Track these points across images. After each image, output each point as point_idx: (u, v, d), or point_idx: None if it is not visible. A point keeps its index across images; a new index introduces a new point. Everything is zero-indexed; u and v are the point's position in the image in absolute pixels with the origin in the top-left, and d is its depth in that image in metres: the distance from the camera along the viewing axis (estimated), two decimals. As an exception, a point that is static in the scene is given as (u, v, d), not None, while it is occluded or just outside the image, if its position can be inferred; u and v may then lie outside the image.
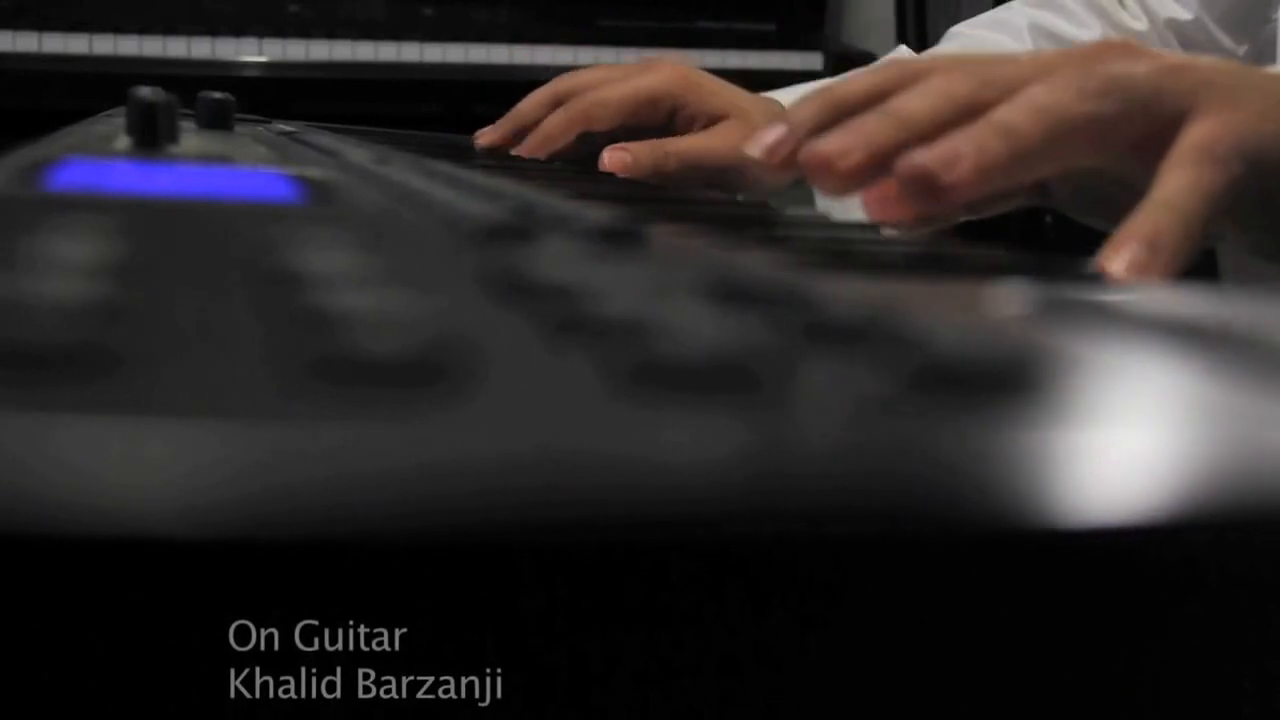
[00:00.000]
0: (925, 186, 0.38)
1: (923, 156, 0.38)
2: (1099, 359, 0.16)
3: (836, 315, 0.17)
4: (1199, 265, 0.47)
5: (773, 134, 0.42)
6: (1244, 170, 0.41)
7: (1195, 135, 0.41)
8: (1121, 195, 0.43)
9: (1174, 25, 0.84)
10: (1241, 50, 0.84)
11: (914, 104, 0.41)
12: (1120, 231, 0.40)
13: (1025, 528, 0.11)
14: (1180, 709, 0.12)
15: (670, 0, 1.45)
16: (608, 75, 0.73)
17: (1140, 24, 0.84)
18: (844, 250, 0.32)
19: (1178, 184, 0.40)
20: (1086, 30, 0.82)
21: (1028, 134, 0.40)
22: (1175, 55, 0.45)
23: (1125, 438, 0.13)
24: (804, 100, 0.44)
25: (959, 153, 0.39)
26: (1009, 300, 0.21)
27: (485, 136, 0.75)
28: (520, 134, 0.73)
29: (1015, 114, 0.40)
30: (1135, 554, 0.12)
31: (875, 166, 0.40)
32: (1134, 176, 0.42)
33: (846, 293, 0.19)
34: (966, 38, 0.83)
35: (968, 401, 0.13)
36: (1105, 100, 0.41)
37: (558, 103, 0.73)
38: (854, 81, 0.44)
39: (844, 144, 0.40)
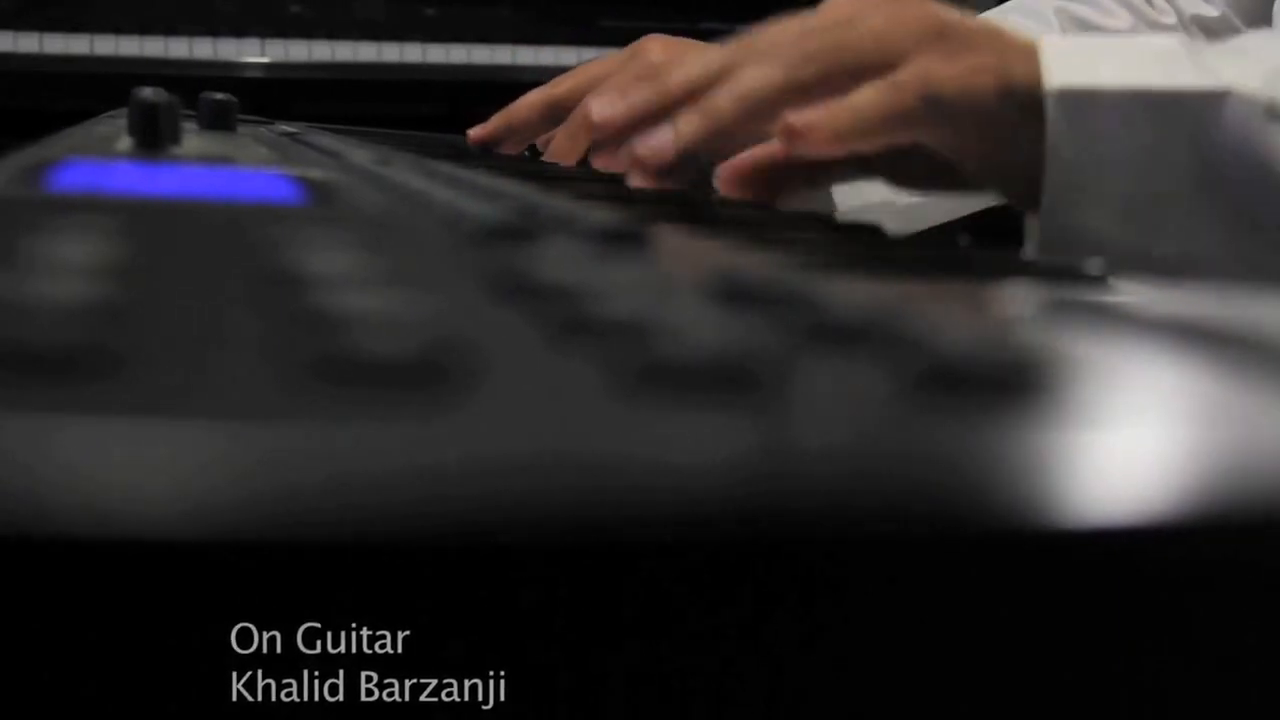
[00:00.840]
0: (641, 170, 0.48)
1: (639, 145, 0.49)
2: (1103, 360, 0.16)
3: (841, 317, 0.17)
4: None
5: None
6: (920, 107, 0.48)
7: (901, 71, 0.48)
8: (920, 163, 0.51)
9: (1200, 21, 0.85)
10: None
11: (675, 74, 0.51)
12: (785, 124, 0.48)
13: (1030, 529, 0.11)
14: (1187, 710, 0.12)
15: (673, 2, 1.45)
16: (601, 73, 0.74)
17: (1169, 19, 0.85)
18: (848, 251, 0.32)
19: (856, 97, 0.48)
20: (1114, 20, 0.83)
21: (727, 113, 0.48)
22: (932, 5, 0.51)
23: (1129, 439, 0.13)
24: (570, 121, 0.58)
25: (663, 144, 0.49)
26: (1013, 302, 0.21)
27: (476, 132, 0.76)
28: (510, 133, 0.75)
29: (719, 96, 0.49)
30: (1140, 555, 0.12)
31: (638, 127, 0.50)
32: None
33: (851, 294, 0.19)
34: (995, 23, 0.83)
35: (972, 403, 0.13)
36: (809, 65, 0.49)
37: (552, 106, 0.74)
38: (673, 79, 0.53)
39: (609, 114, 0.52)
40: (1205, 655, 0.12)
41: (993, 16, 0.84)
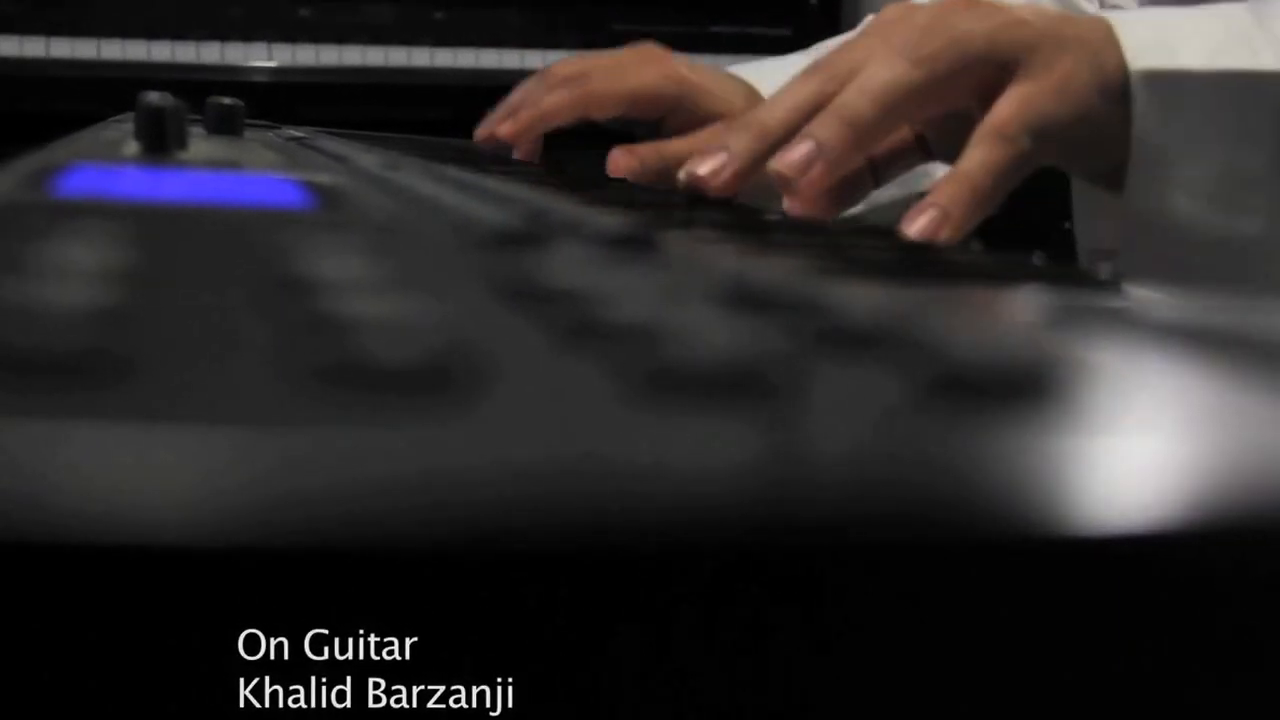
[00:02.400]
0: (790, 190, 0.48)
1: (778, 162, 0.47)
2: (1115, 366, 0.16)
3: (851, 322, 0.16)
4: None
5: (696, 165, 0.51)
6: (1032, 144, 0.50)
7: (995, 116, 0.50)
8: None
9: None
10: None
11: (771, 115, 0.50)
12: (922, 200, 0.49)
13: (1041, 535, 0.11)
14: (1194, 713, 0.12)
15: (683, 4, 1.46)
16: (598, 64, 0.74)
17: (1091, 6, 0.87)
18: (859, 256, 0.32)
19: (972, 161, 0.49)
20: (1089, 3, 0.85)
21: (866, 116, 0.48)
22: (1013, 10, 0.52)
23: (1141, 444, 0.13)
24: (729, 130, 0.54)
25: (808, 157, 0.48)
26: (1025, 307, 0.21)
27: (482, 131, 0.76)
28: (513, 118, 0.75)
29: (854, 100, 0.49)
30: (1154, 562, 0.12)
31: (746, 175, 0.49)
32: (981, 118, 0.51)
33: (861, 299, 0.19)
34: None
35: (984, 409, 0.13)
36: (936, 63, 0.49)
37: (549, 90, 0.74)
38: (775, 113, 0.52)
39: (713, 165, 0.49)
40: (1221, 662, 0.12)
41: None
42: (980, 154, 0.49)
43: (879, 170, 0.57)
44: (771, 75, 0.78)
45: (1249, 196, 0.52)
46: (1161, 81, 0.51)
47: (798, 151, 0.47)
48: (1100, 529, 0.11)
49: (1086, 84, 0.50)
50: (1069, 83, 0.50)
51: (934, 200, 0.48)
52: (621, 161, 0.69)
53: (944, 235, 0.47)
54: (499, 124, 0.75)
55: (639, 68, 0.73)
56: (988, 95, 0.50)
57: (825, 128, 0.48)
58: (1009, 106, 0.50)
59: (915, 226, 0.47)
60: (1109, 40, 0.51)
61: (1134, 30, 0.52)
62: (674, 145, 0.72)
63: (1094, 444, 0.13)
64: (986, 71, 0.50)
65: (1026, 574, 0.11)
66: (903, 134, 0.57)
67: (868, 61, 0.49)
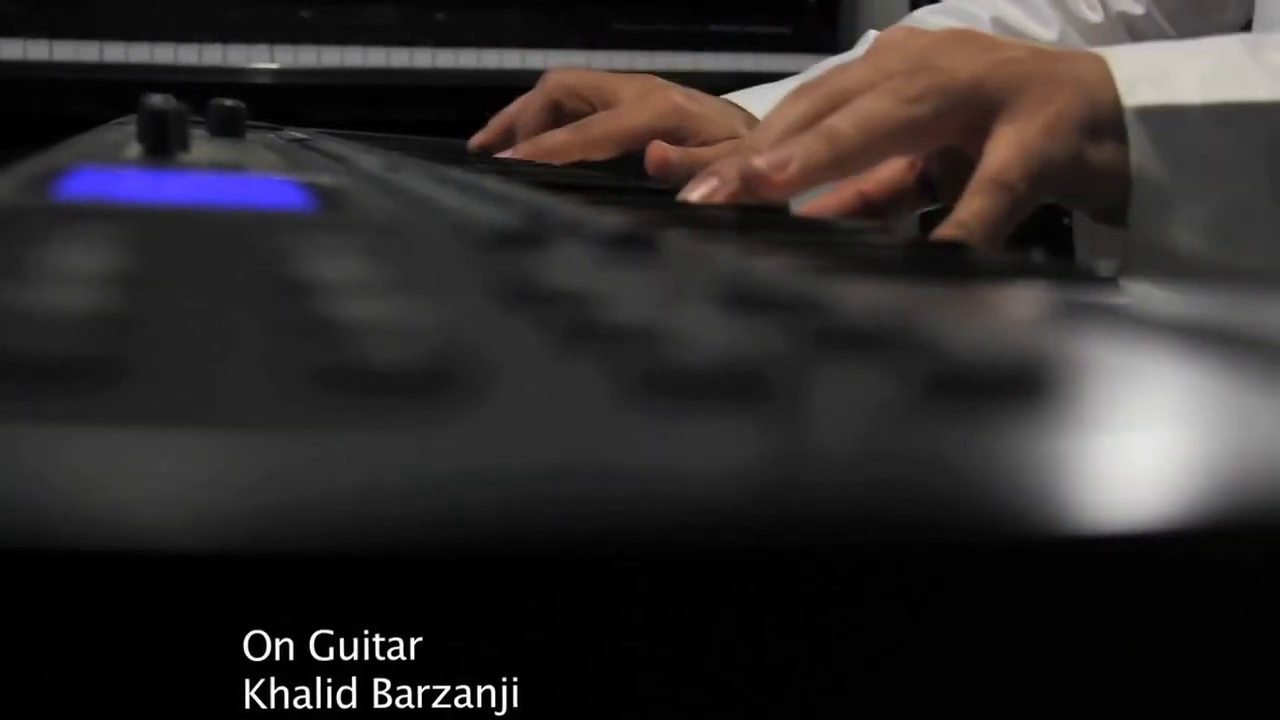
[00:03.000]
0: (762, 184, 0.47)
1: (759, 160, 0.48)
2: (1114, 363, 0.16)
3: (851, 321, 0.17)
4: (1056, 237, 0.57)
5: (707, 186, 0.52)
6: (1030, 188, 0.50)
7: (990, 164, 0.50)
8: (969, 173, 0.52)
9: (1125, 19, 0.89)
10: None
11: (759, 141, 0.51)
12: None
13: (1042, 534, 0.11)
14: (1197, 713, 0.12)
15: (683, 3, 1.46)
16: (599, 84, 0.77)
17: (1096, 16, 0.89)
18: (858, 255, 0.32)
19: (968, 211, 0.50)
20: (1046, 28, 0.88)
21: (848, 138, 0.49)
22: (1007, 47, 0.53)
23: (1141, 442, 0.13)
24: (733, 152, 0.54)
25: (788, 157, 0.48)
26: (1024, 304, 0.21)
27: (477, 139, 0.78)
28: (510, 135, 0.76)
29: (840, 121, 0.49)
30: (1156, 560, 0.12)
31: (737, 199, 0.49)
32: (975, 157, 0.52)
33: (860, 298, 0.19)
34: (927, 24, 0.85)
35: (984, 408, 0.13)
36: (922, 104, 0.50)
37: (550, 106, 0.76)
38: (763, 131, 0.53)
39: (705, 190, 0.49)
40: (1222, 660, 0.12)
41: (924, 19, 0.86)
42: (978, 204, 0.50)
43: (879, 213, 0.57)
44: (768, 100, 0.79)
45: (1249, 229, 0.52)
46: (1156, 116, 0.51)
47: (776, 154, 0.48)
48: (1099, 527, 0.11)
49: (1080, 121, 0.51)
50: (1062, 121, 0.50)
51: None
52: (668, 153, 0.71)
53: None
54: (497, 137, 0.77)
55: (637, 106, 0.75)
56: (977, 134, 0.51)
57: (807, 139, 0.49)
58: (1005, 151, 0.50)
59: None
60: (1102, 76, 0.52)
61: (1127, 64, 0.52)
62: (705, 153, 0.73)
63: (1093, 442, 0.13)
64: (972, 112, 0.50)
65: (1026, 573, 0.11)
66: (902, 175, 0.57)
67: (857, 91, 0.50)
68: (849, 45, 1.54)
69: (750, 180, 0.47)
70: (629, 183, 0.61)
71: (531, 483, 0.11)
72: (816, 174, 0.48)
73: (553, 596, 0.11)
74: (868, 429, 0.13)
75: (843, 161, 0.49)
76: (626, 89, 0.77)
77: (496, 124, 0.78)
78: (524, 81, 0.80)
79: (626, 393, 0.13)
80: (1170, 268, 0.53)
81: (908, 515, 0.11)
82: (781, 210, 0.46)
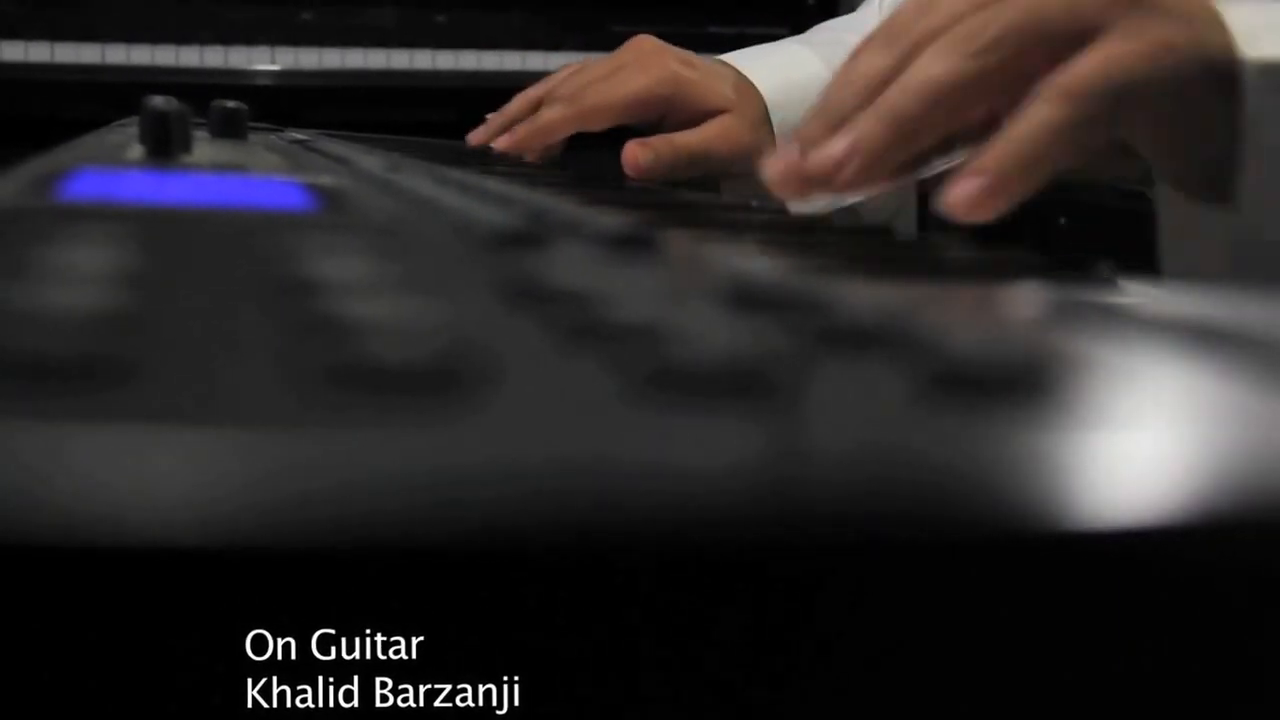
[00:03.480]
0: (820, 186, 0.43)
1: (818, 160, 0.42)
2: (1113, 361, 0.16)
3: (851, 320, 0.17)
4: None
5: (780, 162, 0.46)
6: (1104, 107, 0.42)
7: (1065, 74, 0.42)
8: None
9: None
10: None
11: (840, 97, 0.45)
12: (965, 166, 0.42)
13: (1042, 531, 0.11)
14: (1197, 711, 0.12)
15: (682, 5, 1.45)
16: (596, 74, 0.75)
17: None
18: (858, 254, 0.32)
19: (1028, 120, 0.41)
20: None
21: (912, 112, 0.42)
22: None
23: (1140, 440, 0.13)
24: (807, 121, 0.47)
25: (846, 156, 0.42)
26: (1023, 303, 0.21)
27: (476, 136, 0.77)
28: (507, 130, 0.75)
29: (901, 94, 0.43)
30: (1156, 556, 0.12)
31: (873, 170, 0.44)
32: None
33: (861, 297, 0.19)
34: None
35: (985, 406, 0.13)
36: (998, 50, 0.42)
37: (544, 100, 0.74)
38: (836, 91, 0.46)
39: (836, 154, 0.44)
40: (1221, 656, 0.12)
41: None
42: (1040, 112, 0.41)
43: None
44: (760, 60, 0.77)
45: None
46: (1278, 73, 0.43)
47: (835, 148, 0.42)
48: (1099, 524, 0.11)
49: (1186, 57, 0.42)
50: (1164, 50, 0.42)
51: (980, 166, 0.41)
52: (638, 154, 0.69)
53: (990, 208, 0.41)
54: (495, 136, 0.75)
55: (632, 74, 0.73)
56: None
57: (866, 123, 0.43)
58: (1085, 62, 0.42)
59: (956, 196, 0.41)
60: (1212, 18, 0.43)
61: (1245, 11, 0.44)
62: (685, 137, 0.71)
63: (1092, 440, 0.13)
64: (1059, 44, 0.42)
65: (1026, 570, 0.12)
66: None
67: (928, 43, 0.43)
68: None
69: (808, 182, 0.42)
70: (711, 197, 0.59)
71: (532, 481, 0.11)
72: (881, 164, 0.43)
73: (554, 595, 0.11)
74: (868, 427, 0.13)
75: (909, 137, 0.43)
76: (622, 55, 0.74)
77: (495, 122, 0.77)
78: (524, 83, 0.80)
79: (629, 391, 0.13)
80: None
81: (908, 512, 0.11)
82: (781, 210, 0.45)
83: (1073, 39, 0.42)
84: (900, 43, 0.44)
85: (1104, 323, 0.19)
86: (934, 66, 0.43)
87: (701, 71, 0.75)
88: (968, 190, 0.40)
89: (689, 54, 0.76)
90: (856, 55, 0.46)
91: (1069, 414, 0.13)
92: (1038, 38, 0.42)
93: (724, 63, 0.77)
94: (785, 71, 0.77)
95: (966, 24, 0.43)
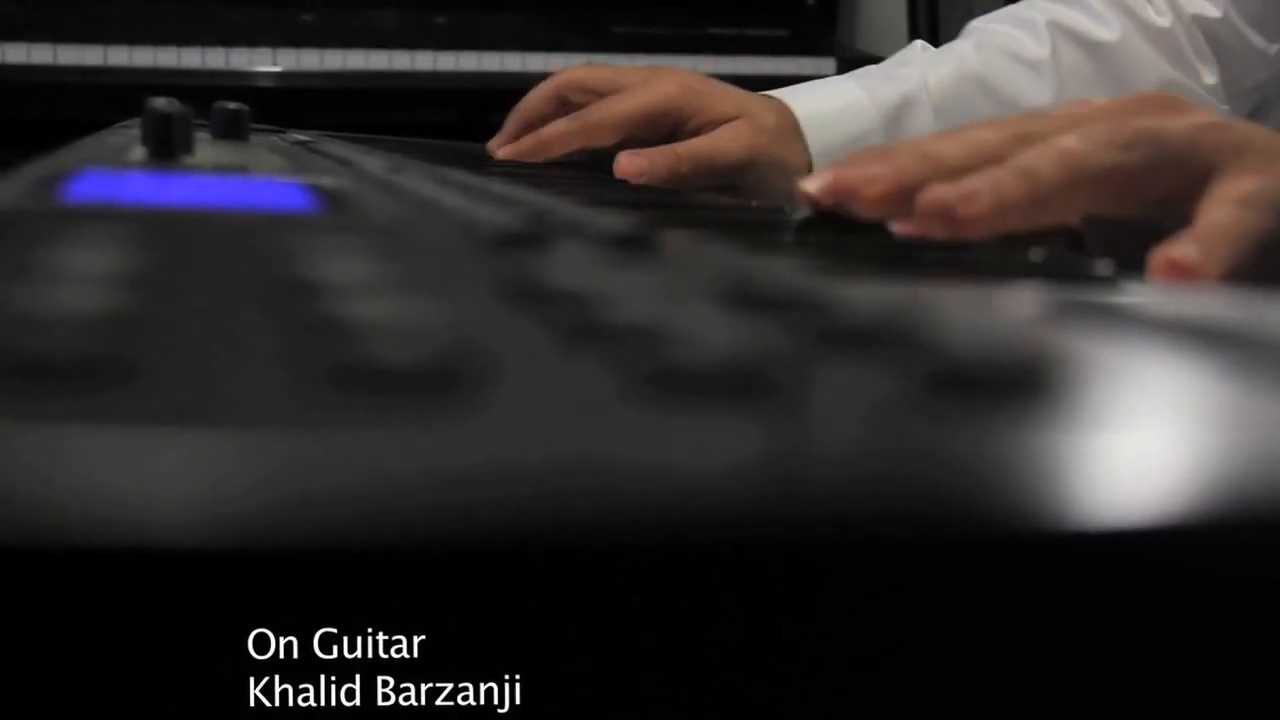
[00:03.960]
0: (943, 218, 0.40)
1: (943, 190, 0.40)
2: (1114, 361, 0.16)
3: (851, 319, 0.17)
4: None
5: (824, 177, 0.44)
6: (1277, 223, 0.42)
7: (1231, 186, 0.42)
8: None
9: (1201, 22, 0.82)
10: (1274, 50, 0.82)
11: (946, 147, 0.43)
12: (1169, 243, 0.41)
13: (1042, 531, 0.11)
14: (1198, 712, 0.12)
15: (682, 6, 1.45)
16: (613, 77, 0.74)
17: (1165, 20, 0.82)
18: (858, 254, 0.32)
19: (1218, 218, 0.41)
20: (1107, 28, 0.81)
21: (1048, 177, 0.41)
22: (1214, 114, 0.46)
23: (1141, 440, 0.13)
24: (862, 154, 0.45)
25: (977, 189, 0.40)
26: (1024, 303, 0.21)
27: (498, 144, 0.76)
28: (528, 132, 0.74)
29: (1038, 158, 0.41)
30: (1155, 557, 0.12)
31: (901, 197, 0.42)
32: (1180, 221, 0.43)
33: (861, 296, 0.19)
34: (984, 32, 0.82)
35: (984, 404, 0.13)
36: (1132, 151, 0.42)
37: (560, 99, 0.74)
38: (958, 142, 0.45)
39: (873, 173, 0.42)
40: (1221, 657, 0.12)
41: (982, 26, 0.83)
42: (1226, 214, 0.42)
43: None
44: (793, 89, 0.75)
45: None
46: None
47: (969, 183, 0.40)
48: (1099, 525, 0.11)
49: None
50: None
51: (1188, 236, 0.41)
52: (628, 164, 0.68)
53: (1204, 275, 0.40)
54: (499, 145, 0.75)
55: (638, 90, 0.72)
56: (1186, 200, 0.43)
57: (999, 173, 0.41)
58: (1245, 181, 0.42)
59: (1174, 254, 0.40)
60: None
61: None
62: (689, 143, 0.70)
63: (1092, 439, 0.13)
64: (1185, 172, 0.43)
65: (1026, 570, 0.12)
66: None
67: (1054, 132, 0.43)
68: (848, 48, 1.54)
69: (931, 211, 0.40)
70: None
71: (533, 481, 0.11)
72: (1009, 214, 0.41)
73: (554, 595, 0.11)
74: (867, 427, 0.13)
75: (1040, 203, 0.41)
76: (636, 78, 0.73)
77: (513, 122, 0.76)
78: (524, 84, 0.79)
79: (629, 391, 0.13)
80: None
81: (908, 512, 0.11)
82: (781, 211, 0.45)
83: (1196, 171, 0.43)
84: (1019, 129, 0.43)
85: (1104, 323, 0.19)
86: (1076, 144, 0.42)
87: (713, 85, 0.74)
88: (1182, 253, 0.40)
89: (702, 75, 0.75)
90: (966, 128, 0.44)
91: (1069, 414, 0.13)
92: (1170, 155, 0.43)
93: (769, 97, 0.76)
94: (817, 91, 0.76)
95: (1102, 126, 0.43)
